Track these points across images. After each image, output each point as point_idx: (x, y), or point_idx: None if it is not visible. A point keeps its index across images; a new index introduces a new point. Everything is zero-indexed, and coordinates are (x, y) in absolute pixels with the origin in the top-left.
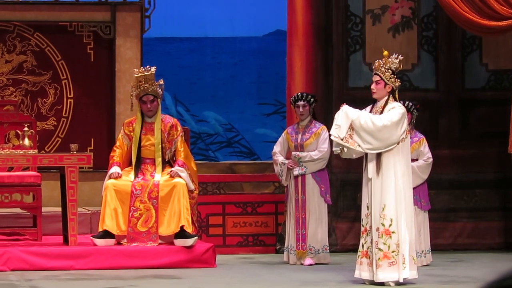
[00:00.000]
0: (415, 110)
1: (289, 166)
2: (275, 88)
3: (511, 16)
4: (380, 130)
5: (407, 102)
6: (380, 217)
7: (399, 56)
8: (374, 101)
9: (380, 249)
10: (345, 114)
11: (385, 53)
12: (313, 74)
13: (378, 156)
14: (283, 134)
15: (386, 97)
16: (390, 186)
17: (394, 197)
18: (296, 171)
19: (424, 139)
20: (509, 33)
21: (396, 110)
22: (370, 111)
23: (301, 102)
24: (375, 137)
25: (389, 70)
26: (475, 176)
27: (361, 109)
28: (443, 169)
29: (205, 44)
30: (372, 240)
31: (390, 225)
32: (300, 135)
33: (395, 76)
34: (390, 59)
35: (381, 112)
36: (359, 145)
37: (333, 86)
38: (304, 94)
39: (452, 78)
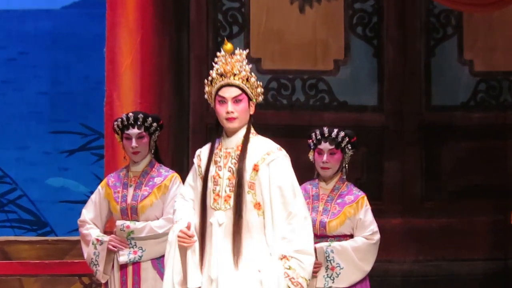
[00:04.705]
0: (348, 146)
1: (110, 246)
2: (83, 105)
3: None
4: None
5: (334, 130)
6: None
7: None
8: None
9: None
10: None
11: (230, 46)
12: (155, 77)
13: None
14: (99, 187)
15: (246, 126)
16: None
17: None
18: (123, 256)
19: (365, 197)
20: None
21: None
22: (211, 151)
23: (134, 130)
24: None
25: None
26: (451, 267)
27: None
28: (392, 253)
29: None
30: None
31: None
32: (132, 189)
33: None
34: (239, 57)
35: (238, 158)
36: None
37: (190, 100)
38: (139, 114)
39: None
